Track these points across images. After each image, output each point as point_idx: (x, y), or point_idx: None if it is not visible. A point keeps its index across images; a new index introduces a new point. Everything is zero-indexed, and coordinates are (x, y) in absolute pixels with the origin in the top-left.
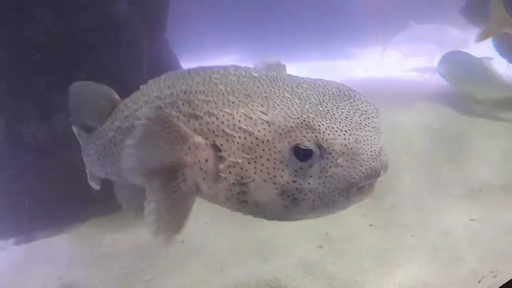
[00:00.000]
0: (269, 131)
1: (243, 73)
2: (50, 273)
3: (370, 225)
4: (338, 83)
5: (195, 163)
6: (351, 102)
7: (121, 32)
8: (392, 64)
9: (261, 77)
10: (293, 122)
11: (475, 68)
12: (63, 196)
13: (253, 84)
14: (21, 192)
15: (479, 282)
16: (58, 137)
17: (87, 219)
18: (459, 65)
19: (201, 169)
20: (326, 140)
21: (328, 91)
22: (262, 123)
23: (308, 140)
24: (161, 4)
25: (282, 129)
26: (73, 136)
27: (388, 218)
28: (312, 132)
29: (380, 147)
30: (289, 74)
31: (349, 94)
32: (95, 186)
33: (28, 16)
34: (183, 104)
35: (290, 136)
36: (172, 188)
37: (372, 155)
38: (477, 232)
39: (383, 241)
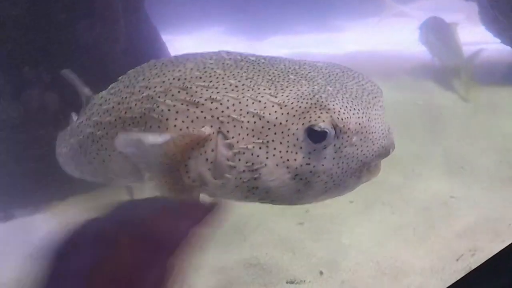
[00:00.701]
0: (282, 114)
1: (239, 57)
2: (28, 254)
3: (351, 202)
4: (339, 64)
5: (201, 154)
6: (357, 82)
7: (94, 5)
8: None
9: (260, 60)
10: (307, 103)
11: (444, 33)
12: (40, 174)
13: (254, 68)
14: None
15: (457, 260)
16: (31, 114)
17: (66, 197)
18: (432, 31)
19: (207, 159)
20: (342, 119)
21: (332, 72)
22: (273, 106)
23: (323, 121)
24: None
25: (296, 111)
26: (47, 112)
27: (369, 195)
28: (327, 112)
29: (388, 125)
30: (286, 57)
31: (353, 74)
32: None
33: None
34: (179, 91)
35: (304, 118)
36: (174, 180)
37: (383, 134)
38: (457, 209)
39: (363, 219)
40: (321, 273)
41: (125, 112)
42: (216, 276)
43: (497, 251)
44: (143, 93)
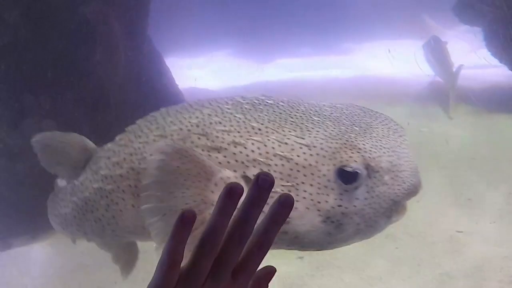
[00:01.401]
0: (311, 155)
1: (256, 101)
2: (24, 285)
3: None
4: (357, 105)
5: None
6: (381, 122)
7: (94, 33)
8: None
9: (279, 103)
10: (336, 143)
11: (439, 51)
12: (37, 203)
13: (274, 110)
14: None
15: None
16: (29, 143)
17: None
18: (430, 49)
19: None
20: (374, 158)
21: (353, 112)
22: (301, 147)
23: (355, 161)
24: (141, 4)
25: (326, 151)
26: None
27: None
28: (358, 152)
29: (416, 164)
30: (304, 100)
31: (375, 114)
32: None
33: None
34: (199, 138)
35: (335, 158)
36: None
37: (412, 172)
38: (464, 245)
39: (365, 253)
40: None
41: (139, 163)
42: None
43: None
44: (159, 142)
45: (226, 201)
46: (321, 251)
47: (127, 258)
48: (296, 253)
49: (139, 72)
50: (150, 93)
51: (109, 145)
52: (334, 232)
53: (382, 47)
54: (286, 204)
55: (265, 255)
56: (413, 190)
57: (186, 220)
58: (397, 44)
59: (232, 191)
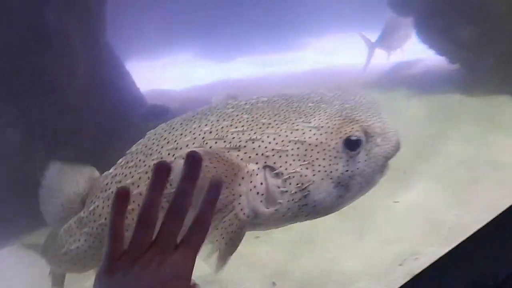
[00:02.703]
0: (320, 134)
1: (253, 101)
2: None
3: None
4: (337, 90)
5: (251, 190)
6: (360, 97)
7: (50, 40)
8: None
9: (273, 99)
10: (338, 120)
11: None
12: (6, 207)
13: (273, 106)
14: None
15: (400, 265)
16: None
17: (34, 229)
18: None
19: (258, 193)
20: (369, 126)
21: (336, 95)
22: (310, 130)
23: (357, 131)
24: (97, 9)
25: (332, 129)
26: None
27: None
28: (357, 123)
29: (393, 126)
30: (290, 93)
31: (352, 93)
32: None
33: None
34: (215, 142)
35: (341, 132)
36: (229, 222)
37: (394, 132)
38: (400, 214)
39: (312, 227)
40: (274, 284)
41: None
42: None
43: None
44: (174, 154)
45: (155, 178)
46: (278, 229)
47: None
48: (254, 233)
49: (100, 76)
50: (113, 97)
51: (112, 170)
52: (344, 193)
53: (335, 40)
54: (194, 162)
55: (206, 229)
56: (398, 146)
57: (120, 196)
58: (349, 37)
59: (159, 169)
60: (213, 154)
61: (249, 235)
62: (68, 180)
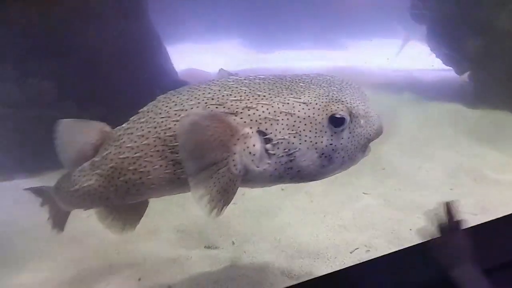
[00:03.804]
0: (309, 109)
1: (252, 77)
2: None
3: (282, 189)
4: (323, 74)
5: (244, 150)
6: (346, 83)
7: (89, 14)
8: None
9: (269, 78)
10: (325, 99)
11: None
12: (38, 146)
13: (268, 83)
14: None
15: (351, 252)
16: (31, 97)
17: (56, 169)
18: None
19: (250, 153)
20: (354, 107)
21: (325, 78)
22: (300, 105)
23: (342, 110)
24: None
25: (320, 105)
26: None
27: (298, 186)
28: (342, 103)
29: (378, 112)
30: (283, 74)
31: (339, 78)
32: (59, 230)
33: None
34: (216, 107)
35: (327, 109)
36: (222, 174)
37: (377, 117)
38: (366, 205)
39: (287, 204)
40: (233, 243)
41: (165, 133)
42: (151, 237)
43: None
44: (180, 115)
45: None
46: (253, 199)
47: (131, 217)
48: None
49: (134, 49)
50: (142, 69)
51: (125, 125)
52: (326, 164)
53: (373, 44)
54: None
55: None
56: (380, 131)
57: None
58: (387, 42)
59: None
60: (214, 115)
61: None
62: (81, 132)
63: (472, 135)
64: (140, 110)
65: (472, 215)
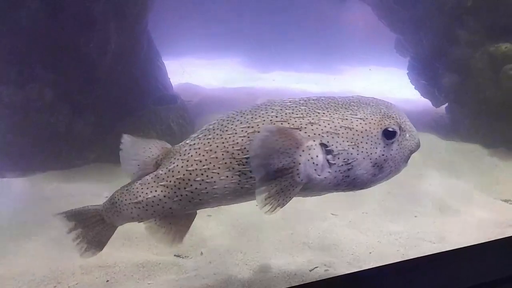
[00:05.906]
0: (365, 123)
1: (305, 98)
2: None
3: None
4: (364, 96)
5: (308, 160)
6: (389, 103)
7: (86, 23)
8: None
9: (320, 99)
10: (379, 115)
11: None
12: (32, 148)
13: (322, 102)
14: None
15: (310, 271)
16: (31, 102)
17: (47, 170)
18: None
19: (314, 163)
20: (402, 122)
21: (368, 99)
22: (357, 120)
23: (394, 124)
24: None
25: (374, 121)
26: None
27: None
28: (393, 119)
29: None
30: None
31: (381, 99)
32: (97, 250)
33: None
34: (281, 123)
35: (381, 124)
36: (285, 179)
37: (416, 132)
38: (333, 225)
39: (262, 217)
40: (201, 253)
41: (233, 147)
42: (124, 243)
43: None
44: (247, 131)
45: None
46: (227, 212)
47: (180, 229)
48: (208, 212)
49: (129, 60)
50: (136, 79)
51: (189, 141)
52: (377, 173)
53: (367, 71)
54: None
55: None
56: (419, 144)
57: None
58: (383, 70)
59: None
60: (282, 129)
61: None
62: (144, 148)
63: (442, 165)
64: (204, 128)
65: (431, 243)
